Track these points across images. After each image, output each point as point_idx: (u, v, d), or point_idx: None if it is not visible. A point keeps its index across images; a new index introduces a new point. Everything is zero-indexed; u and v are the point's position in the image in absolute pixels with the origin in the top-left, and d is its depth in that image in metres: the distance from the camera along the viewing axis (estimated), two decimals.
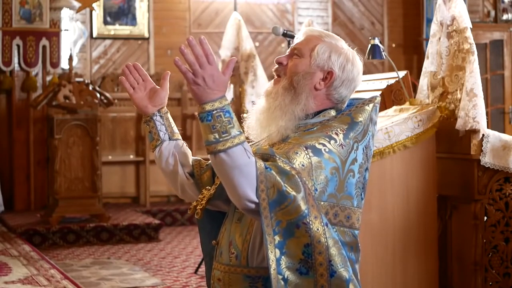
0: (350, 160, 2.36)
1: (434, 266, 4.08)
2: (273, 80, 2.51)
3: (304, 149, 2.30)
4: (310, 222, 2.20)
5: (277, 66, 2.50)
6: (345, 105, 2.49)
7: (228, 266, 2.37)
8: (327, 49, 2.45)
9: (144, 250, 7.80)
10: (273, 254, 2.20)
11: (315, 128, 2.39)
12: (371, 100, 2.47)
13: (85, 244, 8.07)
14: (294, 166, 2.24)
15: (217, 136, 2.18)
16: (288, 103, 2.41)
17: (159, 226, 8.45)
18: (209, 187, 2.48)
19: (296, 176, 2.21)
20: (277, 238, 2.20)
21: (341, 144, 2.34)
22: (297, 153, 2.28)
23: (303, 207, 2.19)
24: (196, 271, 6.67)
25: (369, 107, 2.45)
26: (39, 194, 9.44)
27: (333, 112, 2.46)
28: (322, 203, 2.29)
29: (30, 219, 8.54)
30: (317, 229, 2.21)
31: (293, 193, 2.19)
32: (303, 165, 2.27)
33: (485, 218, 4.12)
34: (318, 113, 2.45)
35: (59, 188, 8.27)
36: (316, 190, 2.28)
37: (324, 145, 2.32)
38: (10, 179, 9.36)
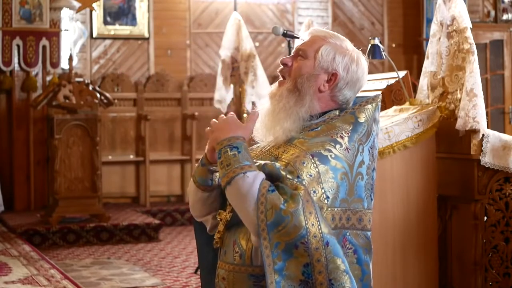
0: (357, 163, 2.36)
1: (434, 266, 4.08)
2: (277, 82, 2.51)
3: (310, 157, 2.30)
4: (309, 242, 2.20)
5: (282, 67, 2.50)
6: (350, 105, 2.49)
7: (233, 265, 2.37)
8: (331, 50, 2.45)
9: (144, 250, 7.80)
10: (272, 276, 2.20)
11: (319, 128, 2.39)
12: (374, 99, 2.48)
13: (85, 244, 8.07)
14: (301, 178, 2.25)
15: (223, 171, 2.27)
16: (292, 105, 2.41)
17: (159, 226, 8.45)
18: (225, 208, 2.43)
19: (299, 195, 2.21)
20: (276, 260, 2.21)
21: (346, 148, 2.35)
22: (303, 163, 2.29)
23: (301, 226, 2.19)
24: (196, 271, 6.67)
25: (372, 106, 2.46)
26: (39, 194, 9.44)
27: (337, 111, 2.46)
28: (335, 209, 2.29)
29: (30, 219, 8.54)
30: (317, 248, 2.20)
31: (290, 214, 2.20)
32: (310, 175, 2.27)
33: (485, 218, 4.12)
34: (323, 113, 2.44)
35: (59, 188, 8.27)
36: (328, 198, 2.28)
37: (330, 150, 2.32)
38: (10, 179, 9.36)
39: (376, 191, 3.88)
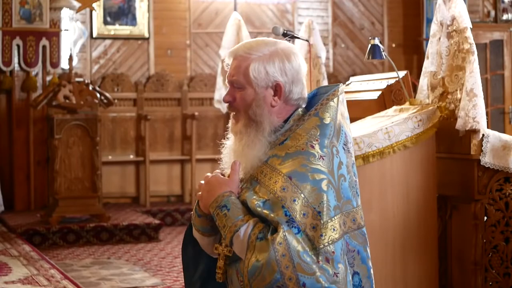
0: (336, 166, 2.34)
1: (434, 266, 4.08)
2: (231, 118, 2.49)
3: (289, 179, 2.29)
4: (284, 284, 2.21)
5: (227, 104, 2.48)
6: (306, 96, 2.47)
7: None
8: (260, 65, 2.41)
9: (144, 250, 7.80)
10: None
11: (287, 140, 2.38)
12: (334, 93, 2.43)
13: (85, 244, 8.07)
14: (285, 207, 2.25)
15: (223, 233, 2.34)
16: (253, 137, 2.40)
17: (159, 226, 8.45)
18: (221, 242, 2.42)
19: (273, 240, 2.22)
20: None
21: (320, 156, 2.32)
22: (284, 189, 2.28)
23: (274, 271, 2.21)
24: None
25: (334, 102, 2.42)
26: (39, 194, 9.44)
27: (300, 111, 2.44)
28: (334, 218, 2.29)
29: (30, 219, 8.54)
30: None
31: (264, 260, 2.22)
32: (294, 200, 2.26)
33: (485, 218, 4.12)
34: (286, 119, 2.44)
35: (59, 188, 8.27)
36: (320, 213, 2.27)
37: (305, 165, 2.30)
38: (10, 179, 9.36)
39: (376, 191, 3.90)
